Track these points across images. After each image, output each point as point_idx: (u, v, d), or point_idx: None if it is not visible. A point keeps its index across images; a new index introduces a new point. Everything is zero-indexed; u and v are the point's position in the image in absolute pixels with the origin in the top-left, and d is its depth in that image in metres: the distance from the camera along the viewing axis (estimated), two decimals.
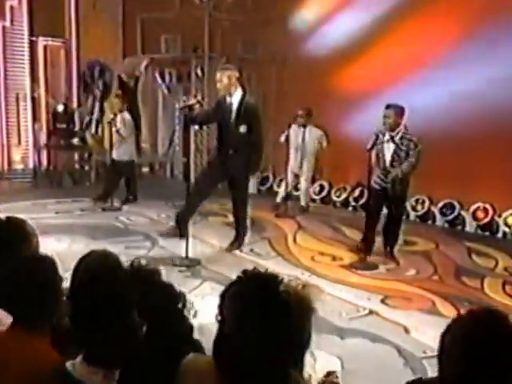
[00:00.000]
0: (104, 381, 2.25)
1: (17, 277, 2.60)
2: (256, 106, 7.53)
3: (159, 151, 13.29)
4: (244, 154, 7.24)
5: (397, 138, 7.10)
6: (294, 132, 9.82)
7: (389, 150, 7.15)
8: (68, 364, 2.29)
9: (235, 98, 7.24)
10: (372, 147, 6.96)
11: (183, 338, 2.58)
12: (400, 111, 7.13)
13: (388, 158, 7.18)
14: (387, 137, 7.10)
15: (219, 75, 7.26)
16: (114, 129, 9.94)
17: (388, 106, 7.13)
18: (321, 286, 6.28)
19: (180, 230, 7.53)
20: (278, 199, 10.19)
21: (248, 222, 7.79)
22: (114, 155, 10.06)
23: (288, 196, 10.05)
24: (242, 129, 7.18)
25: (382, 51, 9.87)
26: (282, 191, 10.24)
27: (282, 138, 9.84)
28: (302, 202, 10.14)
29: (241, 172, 7.33)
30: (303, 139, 9.80)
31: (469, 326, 2.12)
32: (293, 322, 2.22)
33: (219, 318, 2.26)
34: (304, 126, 9.75)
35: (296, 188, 10.29)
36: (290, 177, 10.04)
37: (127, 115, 10.18)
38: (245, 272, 2.31)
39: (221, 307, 2.27)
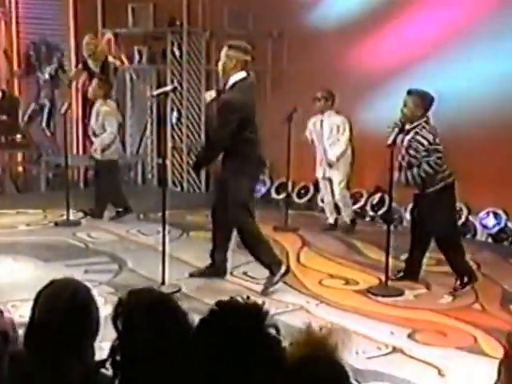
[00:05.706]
0: None
1: None
2: (226, 100, 7.12)
3: (127, 150, 13.24)
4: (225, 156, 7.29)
5: (408, 137, 7.03)
6: (314, 123, 9.67)
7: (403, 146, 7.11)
8: None
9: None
10: (394, 142, 6.94)
11: None
12: (421, 101, 7.03)
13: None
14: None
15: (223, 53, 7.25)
16: (98, 122, 9.94)
17: (409, 92, 7.08)
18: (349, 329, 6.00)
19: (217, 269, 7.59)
20: (330, 218, 9.87)
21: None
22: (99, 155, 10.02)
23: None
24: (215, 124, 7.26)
25: (408, 21, 9.83)
26: (326, 204, 9.98)
27: (308, 135, 9.63)
28: (346, 218, 9.77)
29: (224, 175, 7.32)
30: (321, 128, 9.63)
31: None
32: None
33: None
34: (322, 113, 9.59)
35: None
36: (321, 184, 9.91)
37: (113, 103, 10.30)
38: (218, 304, 2.33)
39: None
